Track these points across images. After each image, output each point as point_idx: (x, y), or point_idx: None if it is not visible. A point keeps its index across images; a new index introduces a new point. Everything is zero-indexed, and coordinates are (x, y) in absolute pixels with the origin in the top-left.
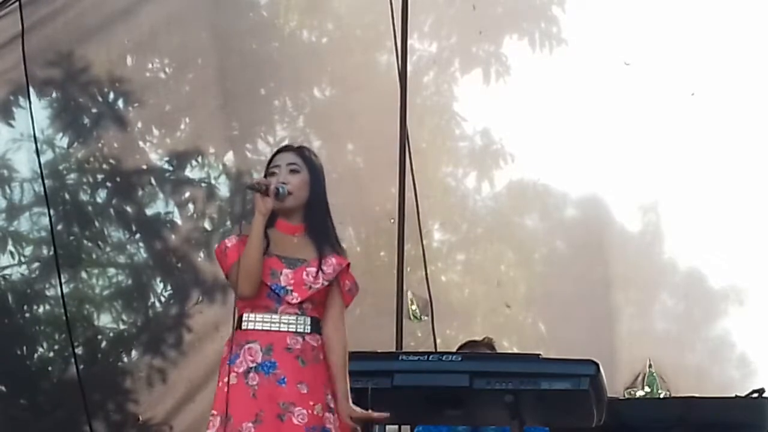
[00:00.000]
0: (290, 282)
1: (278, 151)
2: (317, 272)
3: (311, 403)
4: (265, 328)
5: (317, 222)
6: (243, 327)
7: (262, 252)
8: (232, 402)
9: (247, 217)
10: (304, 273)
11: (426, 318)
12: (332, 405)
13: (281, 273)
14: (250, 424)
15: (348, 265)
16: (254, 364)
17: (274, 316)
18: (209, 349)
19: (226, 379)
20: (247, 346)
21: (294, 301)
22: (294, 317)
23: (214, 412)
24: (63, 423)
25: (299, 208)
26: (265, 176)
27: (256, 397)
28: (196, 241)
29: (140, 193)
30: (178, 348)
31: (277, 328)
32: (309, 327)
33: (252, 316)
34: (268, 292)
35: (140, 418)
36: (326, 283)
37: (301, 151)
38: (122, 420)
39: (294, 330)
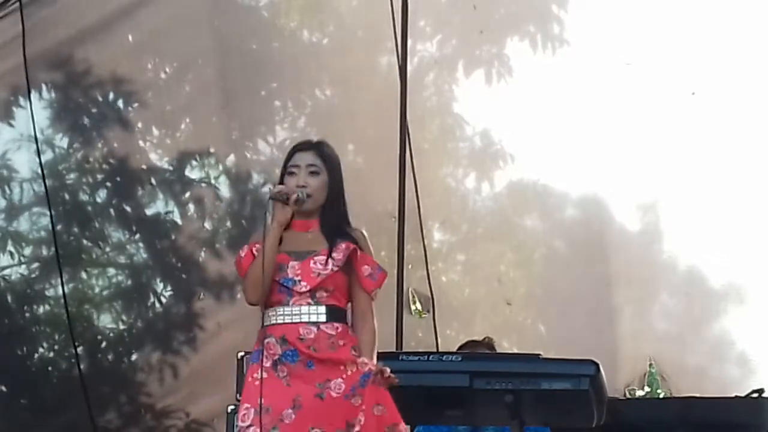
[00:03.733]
0: (297, 273)
1: (297, 149)
2: (327, 259)
3: (342, 369)
4: (278, 321)
5: (332, 217)
6: (264, 324)
7: (274, 262)
8: (267, 394)
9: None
10: (312, 262)
11: (428, 313)
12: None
13: (288, 266)
14: (290, 410)
15: (355, 249)
16: (277, 357)
17: (286, 308)
18: (214, 346)
19: (255, 375)
20: (266, 341)
21: (303, 289)
22: (306, 307)
23: (247, 405)
24: (64, 423)
25: (317, 208)
26: (282, 174)
27: (290, 386)
28: (197, 241)
29: (140, 193)
30: (184, 346)
31: (290, 320)
32: (324, 316)
33: (269, 312)
34: (279, 287)
35: (143, 411)
36: (336, 269)
37: (320, 150)
38: (124, 421)
39: (306, 320)
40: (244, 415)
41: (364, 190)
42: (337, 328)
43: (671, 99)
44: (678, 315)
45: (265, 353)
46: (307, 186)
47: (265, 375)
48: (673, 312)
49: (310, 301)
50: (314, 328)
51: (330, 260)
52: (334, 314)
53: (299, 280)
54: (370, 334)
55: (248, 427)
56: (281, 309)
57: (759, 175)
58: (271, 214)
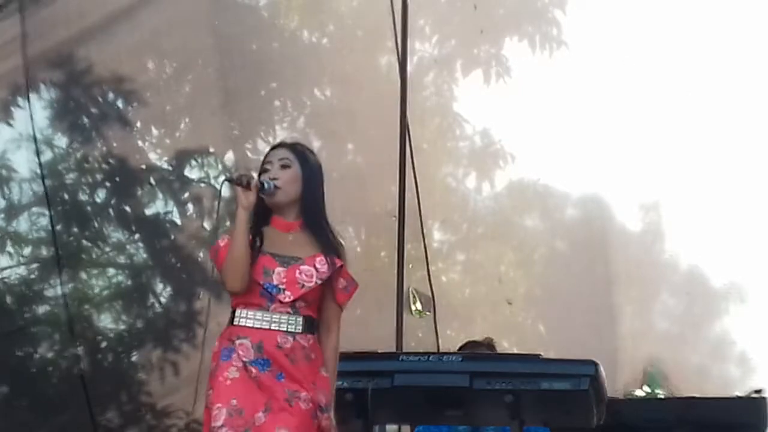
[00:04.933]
0: (282, 281)
1: (272, 148)
2: (312, 271)
3: (309, 393)
4: (256, 325)
5: (314, 219)
6: (235, 323)
7: (247, 246)
8: (240, 395)
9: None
10: (297, 271)
11: (429, 313)
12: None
13: (274, 271)
14: (261, 414)
15: (342, 266)
16: (247, 359)
17: (266, 314)
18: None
19: (226, 374)
20: (239, 342)
21: (286, 299)
22: (286, 316)
23: (219, 404)
24: (64, 423)
25: (293, 203)
26: (260, 174)
27: (261, 389)
28: (196, 241)
29: (140, 192)
30: (184, 344)
31: (268, 326)
32: (301, 326)
33: (245, 312)
34: (261, 291)
35: (143, 410)
36: (319, 282)
37: (294, 147)
38: (125, 420)
39: (285, 329)
40: (216, 415)
41: (364, 190)
42: (309, 339)
43: (671, 99)
44: (679, 315)
45: (236, 353)
46: (277, 178)
47: (237, 375)
48: (673, 312)
49: (289, 310)
50: (291, 338)
51: (315, 272)
52: (309, 325)
53: (284, 289)
54: (334, 350)
55: (220, 427)
56: (260, 313)
57: (760, 176)
58: (220, 200)
